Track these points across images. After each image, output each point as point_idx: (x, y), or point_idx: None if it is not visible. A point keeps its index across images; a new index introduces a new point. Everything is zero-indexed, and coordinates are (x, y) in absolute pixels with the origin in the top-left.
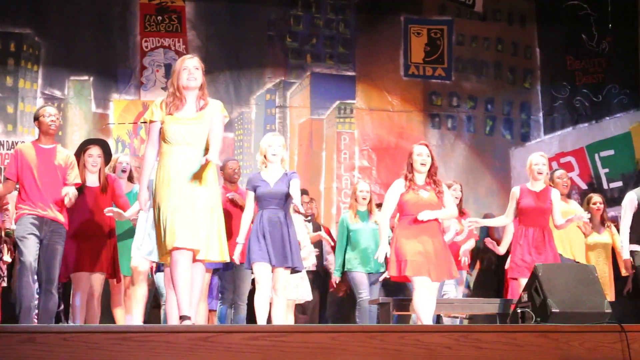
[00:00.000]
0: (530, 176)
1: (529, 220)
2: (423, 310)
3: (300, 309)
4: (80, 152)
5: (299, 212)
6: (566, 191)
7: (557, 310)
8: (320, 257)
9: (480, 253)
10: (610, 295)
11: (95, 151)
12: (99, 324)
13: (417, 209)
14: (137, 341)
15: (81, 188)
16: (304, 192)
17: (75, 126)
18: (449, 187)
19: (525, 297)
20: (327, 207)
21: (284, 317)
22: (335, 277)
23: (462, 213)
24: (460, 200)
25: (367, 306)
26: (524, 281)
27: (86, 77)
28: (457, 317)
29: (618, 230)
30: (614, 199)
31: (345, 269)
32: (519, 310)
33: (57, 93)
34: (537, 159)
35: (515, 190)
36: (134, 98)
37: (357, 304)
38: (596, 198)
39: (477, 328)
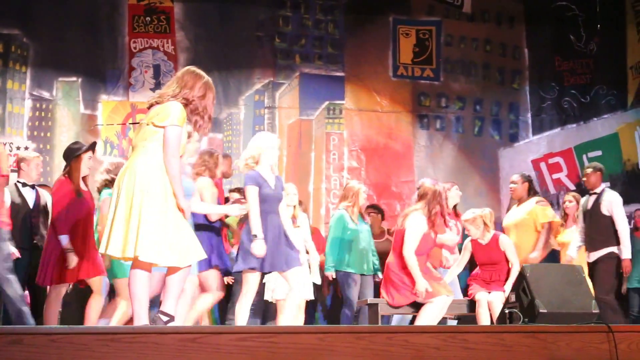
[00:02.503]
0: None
1: (482, 267)
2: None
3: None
4: (79, 154)
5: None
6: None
7: (545, 311)
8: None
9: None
10: None
11: (91, 154)
12: (87, 326)
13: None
14: (125, 342)
15: (79, 191)
16: None
17: (63, 127)
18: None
19: (513, 298)
20: (316, 208)
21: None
22: (329, 273)
23: (456, 215)
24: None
25: (357, 308)
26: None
27: (74, 78)
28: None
29: None
30: None
31: (341, 269)
32: (506, 311)
33: (46, 94)
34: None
35: (467, 244)
36: (123, 99)
37: (345, 305)
38: (567, 197)
39: (465, 329)
